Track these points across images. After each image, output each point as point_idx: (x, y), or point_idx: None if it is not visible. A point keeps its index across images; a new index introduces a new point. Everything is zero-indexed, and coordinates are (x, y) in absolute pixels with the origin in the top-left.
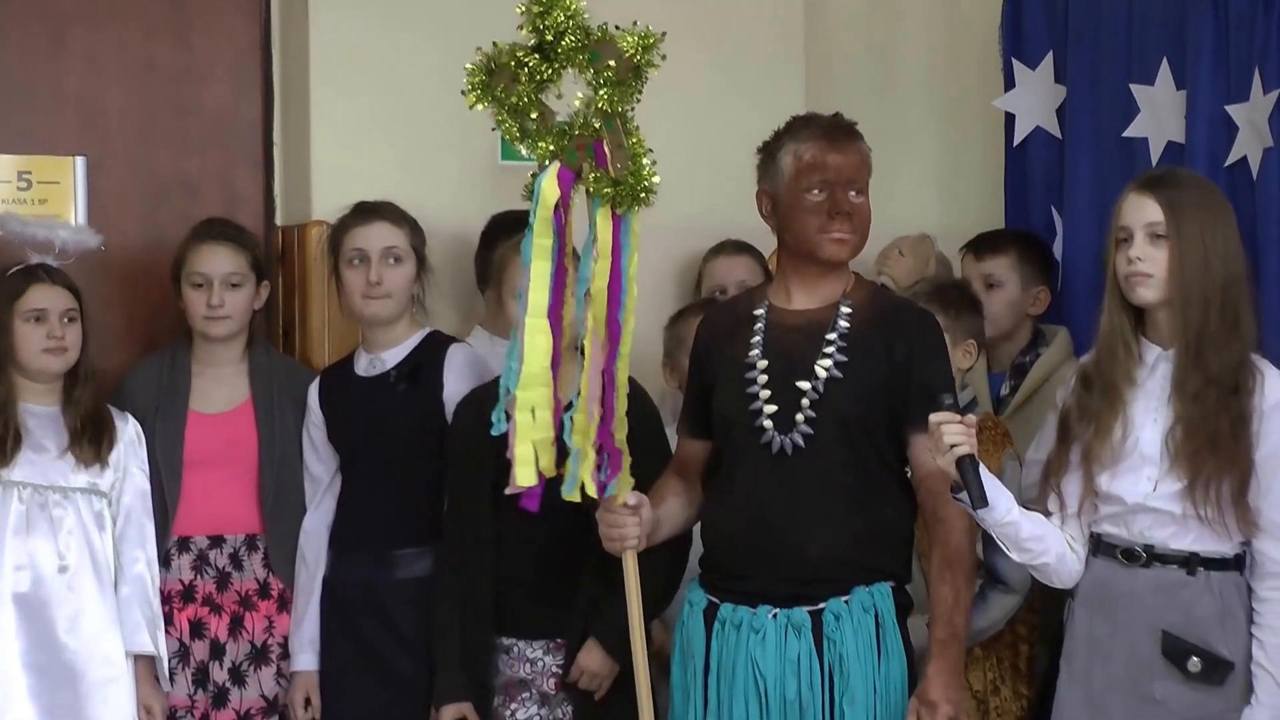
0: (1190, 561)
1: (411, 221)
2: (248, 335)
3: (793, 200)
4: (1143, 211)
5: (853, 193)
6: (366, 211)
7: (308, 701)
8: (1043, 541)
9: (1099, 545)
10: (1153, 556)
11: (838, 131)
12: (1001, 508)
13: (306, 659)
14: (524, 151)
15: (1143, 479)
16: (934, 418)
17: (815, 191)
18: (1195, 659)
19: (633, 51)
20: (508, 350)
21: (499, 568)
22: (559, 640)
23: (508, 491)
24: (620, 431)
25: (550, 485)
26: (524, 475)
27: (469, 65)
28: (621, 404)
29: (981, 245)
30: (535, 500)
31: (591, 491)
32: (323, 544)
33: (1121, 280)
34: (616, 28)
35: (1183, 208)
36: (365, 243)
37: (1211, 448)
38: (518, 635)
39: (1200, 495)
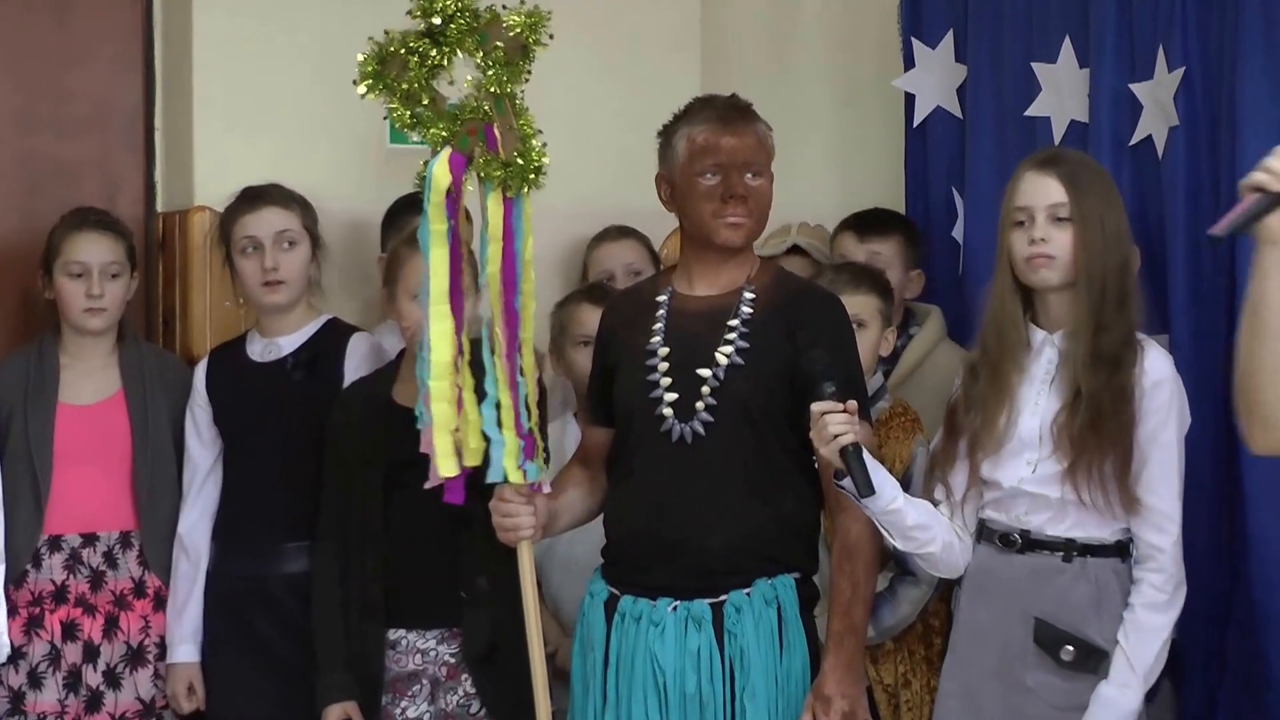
0: (1068, 548)
1: (301, 202)
2: (118, 326)
3: (687, 185)
4: (1045, 192)
5: (748, 175)
6: (254, 197)
7: (191, 692)
8: (928, 530)
9: (982, 531)
10: (1029, 542)
11: (731, 113)
12: (886, 495)
13: (188, 650)
14: (416, 138)
15: (1022, 463)
16: (816, 407)
17: (709, 175)
18: (1069, 647)
19: (520, 31)
20: (420, 341)
21: (386, 560)
22: (454, 629)
23: (428, 485)
24: (530, 418)
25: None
26: (445, 466)
27: (361, 55)
28: (531, 390)
29: (867, 226)
30: (459, 492)
31: (519, 479)
32: (205, 534)
33: (1020, 262)
34: (504, 8)
35: (1085, 189)
36: (257, 229)
37: (1095, 427)
38: (408, 627)
39: (1083, 477)
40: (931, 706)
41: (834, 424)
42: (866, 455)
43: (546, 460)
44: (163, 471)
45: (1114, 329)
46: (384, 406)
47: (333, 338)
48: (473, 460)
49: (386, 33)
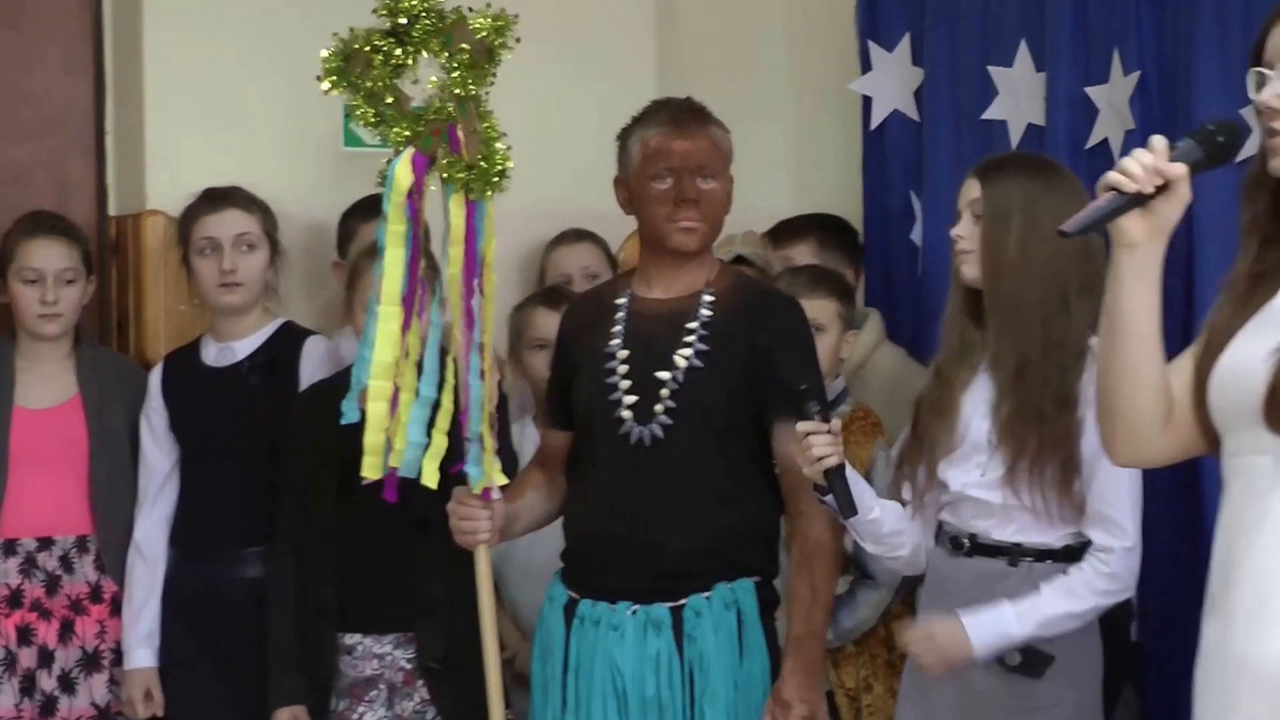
0: (1013, 553)
1: (262, 206)
2: (74, 330)
3: (641, 189)
4: (968, 191)
5: (701, 180)
6: (216, 198)
7: (148, 697)
8: (901, 535)
9: (939, 533)
10: (977, 546)
11: (684, 116)
12: (864, 506)
13: (144, 655)
14: (379, 137)
15: (972, 466)
16: (801, 427)
17: (662, 179)
18: (1015, 652)
19: (486, 33)
20: (361, 340)
21: (342, 565)
22: (410, 634)
23: (365, 483)
24: (480, 422)
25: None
26: (370, 466)
27: (325, 51)
28: (489, 393)
29: (780, 232)
30: (394, 490)
31: (433, 482)
32: (162, 539)
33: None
34: (469, 10)
35: (999, 185)
36: (216, 231)
37: (1034, 429)
38: (364, 631)
39: (1022, 479)
40: (891, 710)
41: (819, 446)
42: (848, 469)
43: (507, 467)
44: (120, 476)
45: (1044, 327)
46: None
47: (288, 341)
48: (395, 461)
49: (351, 29)
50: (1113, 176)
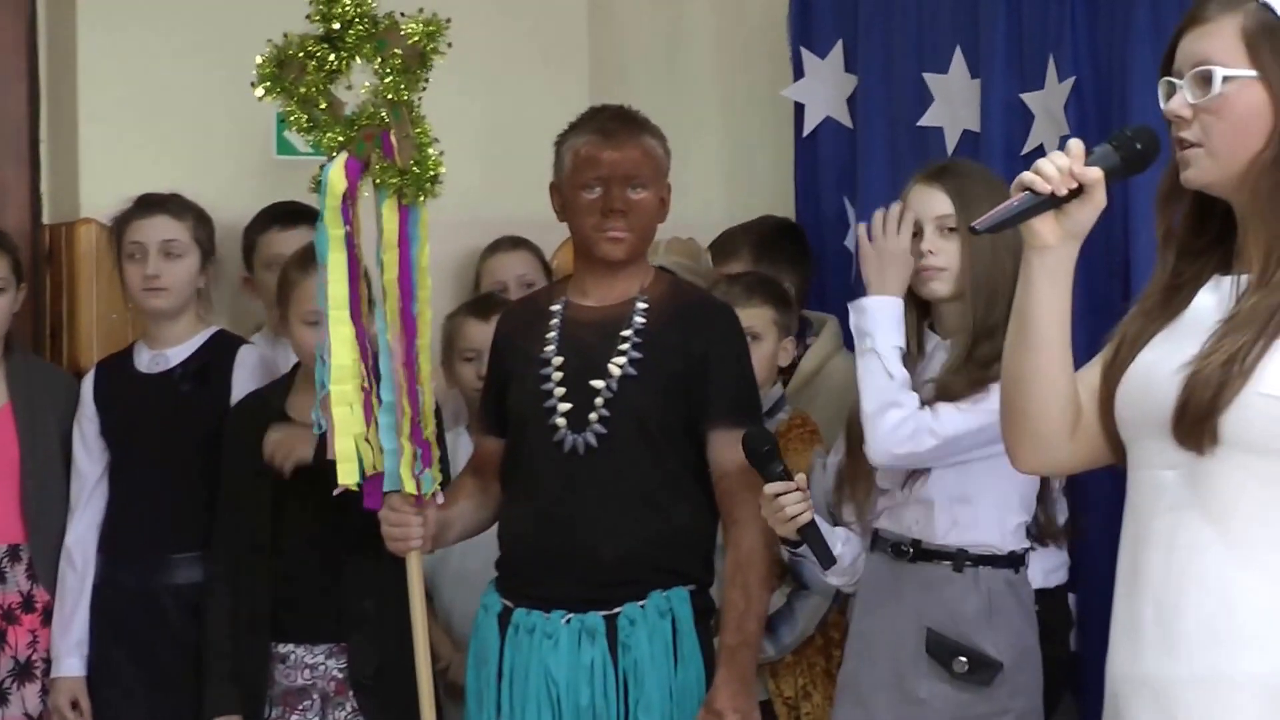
0: (959, 558)
1: (197, 214)
2: (5, 339)
3: (571, 197)
4: (932, 203)
5: (630, 189)
6: (148, 204)
7: (75, 706)
8: (858, 560)
9: (875, 540)
10: (920, 552)
11: (615, 125)
12: (836, 552)
13: (73, 663)
14: (313, 143)
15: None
16: (770, 489)
17: (591, 188)
18: (961, 659)
19: (418, 38)
20: (318, 346)
21: (276, 575)
22: (343, 645)
23: (336, 492)
24: (427, 426)
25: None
26: (345, 473)
27: (259, 57)
28: (427, 399)
29: (718, 247)
30: (376, 498)
31: (413, 489)
32: (92, 546)
33: (913, 275)
34: (402, 15)
35: (972, 199)
36: (143, 236)
37: None
38: (297, 641)
39: (918, 481)
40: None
41: (791, 506)
42: (819, 521)
43: (444, 471)
44: (51, 484)
45: (998, 337)
46: (276, 420)
47: (221, 349)
48: (376, 467)
49: (286, 35)
50: (1027, 176)
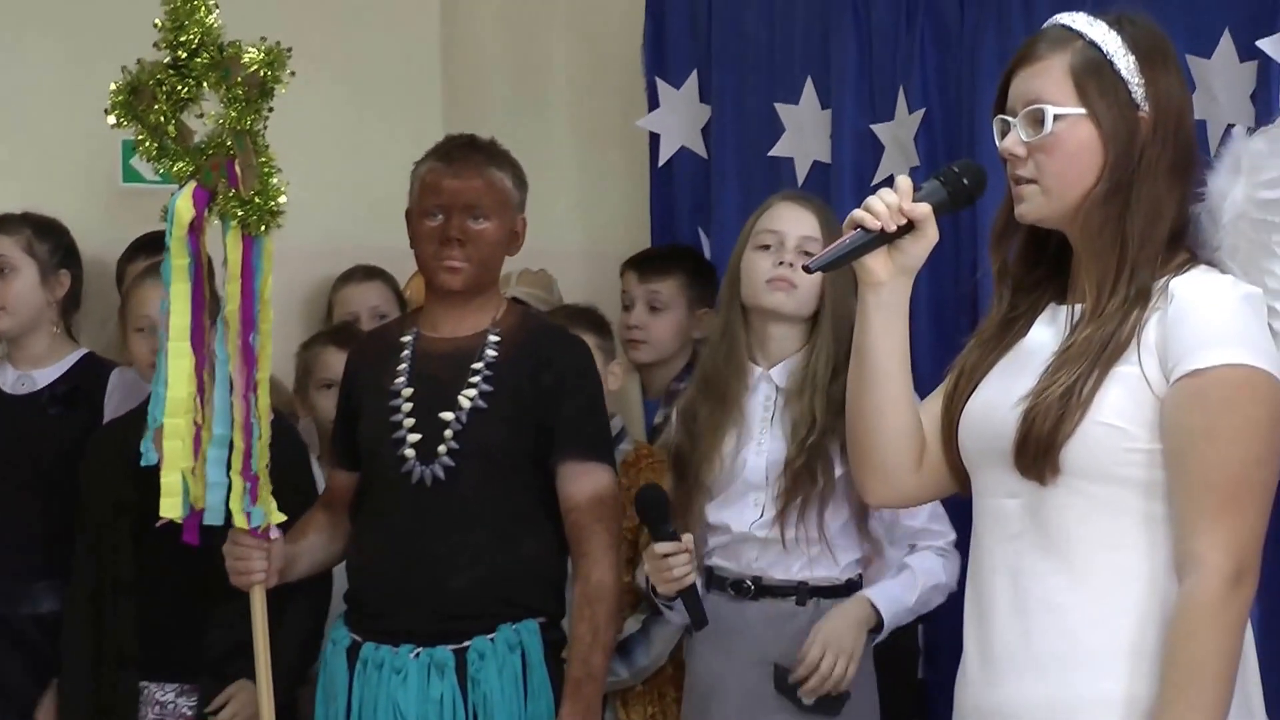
0: (800, 591)
1: (38, 228)
2: None
3: (416, 225)
4: (799, 223)
5: (471, 219)
6: None
7: None
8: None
9: (711, 579)
10: (761, 589)
11: (459, 154)
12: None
13: None
14: (161, 172)
15: (749, 505)
16: (659, 548)
17: (432, 216)
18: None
19: (257, 67)
20: (154, 377)
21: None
22: (193, 684)
23: (159, 523)
24: (259, 460)
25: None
26: (169, 506)
27: (113, 84)
28: (264, 432)
29: (648, 265)
30: (194, 532)
31: (243, 523)
32: None
33: (757, 283)
34: (244, 43)
35: (836, 229)
36: None
37: (819, 470)
38: (150, 678)
39: (795, 519)
40: None
41: (678, 567)
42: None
43: (282, 507)
44: None
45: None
46: (135, 454)
47: (91, 373)
48: (199, 504)
49: (139, 62)
50: (857, 214)
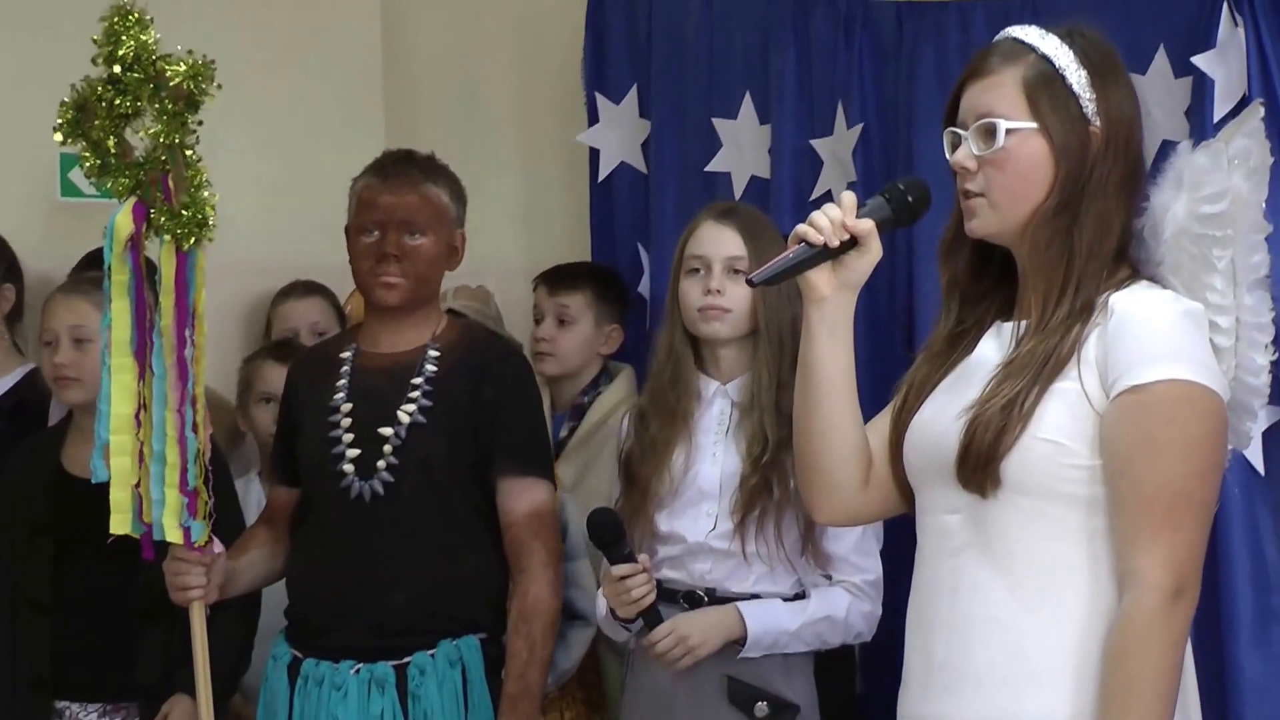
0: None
1: None
2: None
3: (353, 240)
4: (722, 243)
5: (408, 235)
6: None
7: None
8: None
9: (660, 591)
10: (715, 600)
11: (394, 169)
12: None
13: None
14: (103, 188)
15: (702, 515)
16: (616, 570)
17: (369, 232)
18: (762, 704)
19: (181, 80)
20: (99, 394)
21: (57, 631)
22: (120, 704)
23: (109, 540)
24: (196, 476)
25: (123, 536)
26: (119, 523)
27: (63, 100)
28: (203, 446)
29: (557, 279)
30: (150, 548)
31: (177, 538)
32: None
33: (691, 313)
34: (170, 57)
35: (763, 242)
36: None
37: (775, 482)
38: (72, 699)
39: (754, 531)
40: None
41: (637, 589)
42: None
43: (212, 519)
44: None
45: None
46: (53, 474)
47: (38, 386)
48: (150, 519)
49: (86, 78)
50: (801, 228)
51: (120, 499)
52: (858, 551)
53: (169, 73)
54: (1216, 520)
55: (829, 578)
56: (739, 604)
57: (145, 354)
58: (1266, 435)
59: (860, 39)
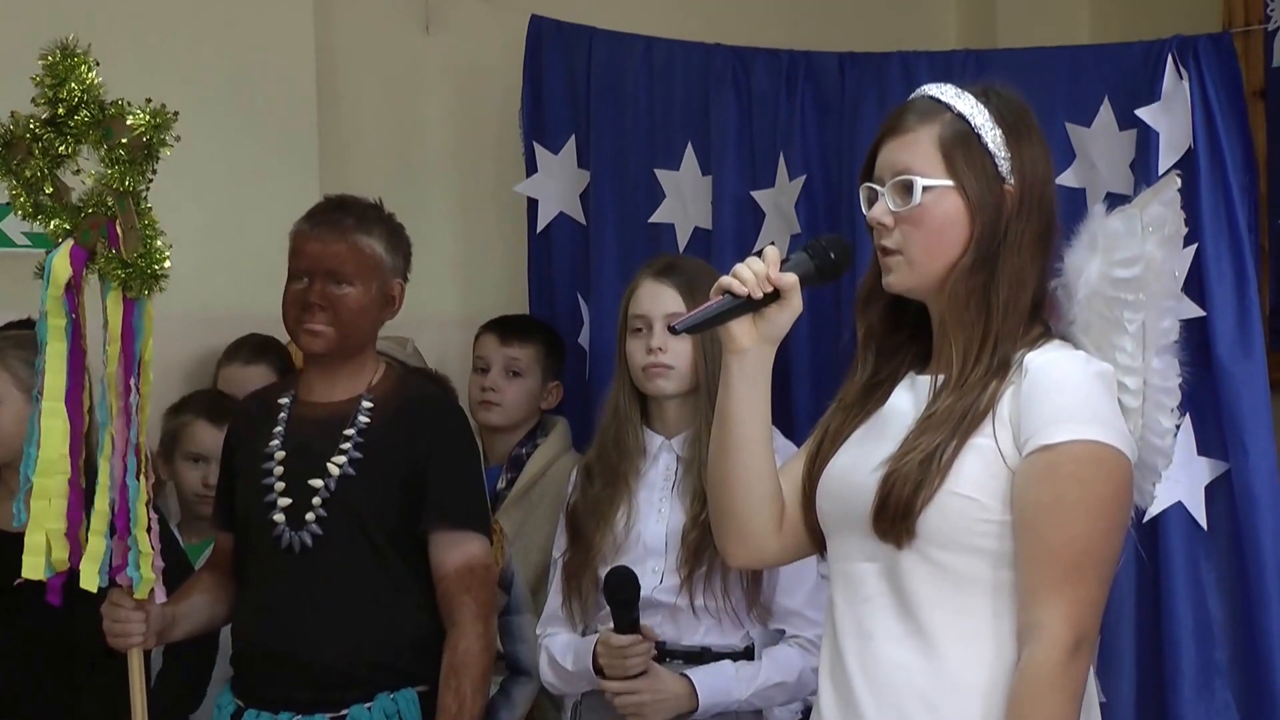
0: (702, 657)
1: None
2: None
3: (286, 288)
4: (662, 301)
5: (334, 284)
6: None
7: None
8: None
9: None
10: (663, 654)
11: (324, 217)
12: None
13: None
14: (38, 228)
15: (648, 571)
16: (618, 640)
17: (298, 279)
18: None
19: (142, 129)
20: (26, 437)
21: None
22: None
23: (16, 583)
24: (138, 525)
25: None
26: (31, 566)
27: None
28: (143, 494)
29: (508, 330)
30: (57, 594)
31: (92, 586)
32: None
33: (636, 372)
34: (128, 104)
35: (702, 295)
36: None
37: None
38: None
39: (699, 584)
40: None
41: (634, 659)
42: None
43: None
44: None
45: None
46: None
47: None
48: (60, 566)
49: (13, 115)
50: (725, 280)
51: (35, 542)
52: (811, 605)
53: (129, 120)
54: (1159, 574)
55: (781, 632)
56: (692, 673)
57: (79, 398)
58: (1209, 490)
59: (802, 89)
